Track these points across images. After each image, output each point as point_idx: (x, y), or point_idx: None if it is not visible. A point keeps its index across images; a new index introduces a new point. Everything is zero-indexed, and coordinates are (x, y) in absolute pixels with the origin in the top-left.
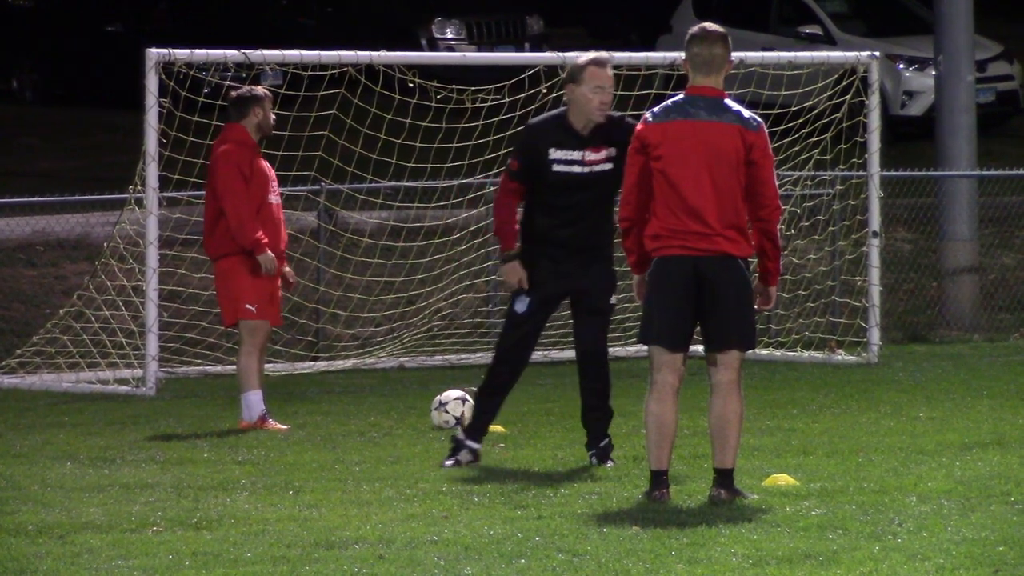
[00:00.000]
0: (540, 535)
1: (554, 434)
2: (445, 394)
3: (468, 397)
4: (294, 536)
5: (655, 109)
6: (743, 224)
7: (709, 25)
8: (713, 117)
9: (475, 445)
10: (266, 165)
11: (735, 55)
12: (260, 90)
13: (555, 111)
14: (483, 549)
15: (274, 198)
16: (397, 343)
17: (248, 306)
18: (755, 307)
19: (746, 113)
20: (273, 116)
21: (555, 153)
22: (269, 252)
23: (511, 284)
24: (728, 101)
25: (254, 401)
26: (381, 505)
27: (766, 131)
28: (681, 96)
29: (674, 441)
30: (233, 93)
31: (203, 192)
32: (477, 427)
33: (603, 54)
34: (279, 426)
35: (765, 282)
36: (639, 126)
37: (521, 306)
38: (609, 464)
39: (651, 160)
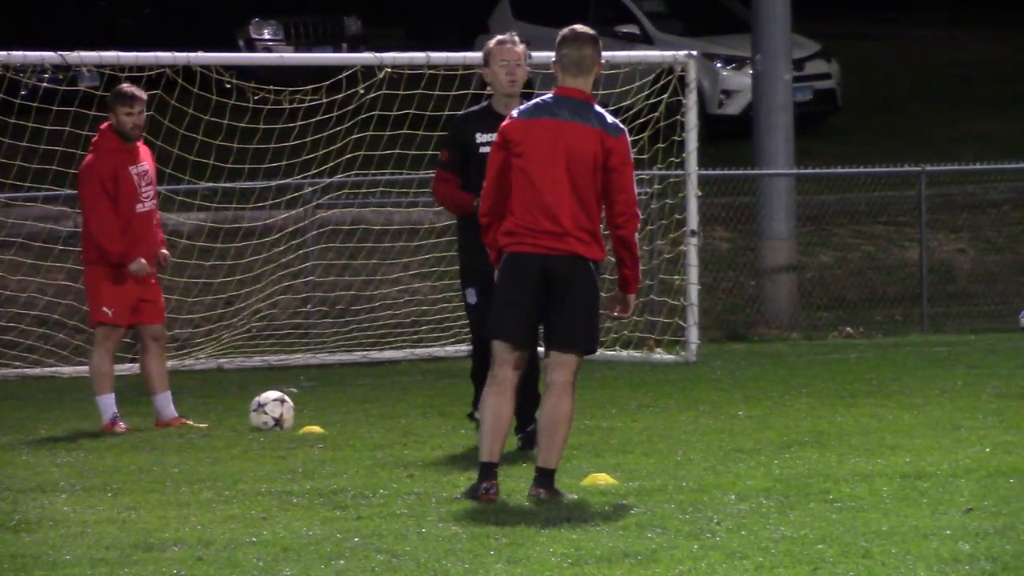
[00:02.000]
0: (359, 536)
1: (373, 434)
2: (264, 395)
3: (287, 398)
4: (113, 538)
5: (521, 107)
6: (597, 228)
7: (580, 27)
8: (576, 119)
9: None
10: (135, 170)
11: (552, 54)
12: (124, 89)
13: (480, 104)
14: (302, 550)
15: (144, 205)
16: (216, 344)
17: (105, 309)
18: (613, 314)
19: (609, 119)
20: (132, 118)
21: (481, 137)
22: (139, 260)
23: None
24: (595, 105)
25: (105, 405)
26: (200, 507)
27: (628, 138)
28: (549, 96)
29: (507, 436)
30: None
31: (18, 194)
32: None
33: (508, 35)
34: (123, 428)
35: (623, 290)
36: (504, 122)
37: (472, 298)
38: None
39: (512, 156)
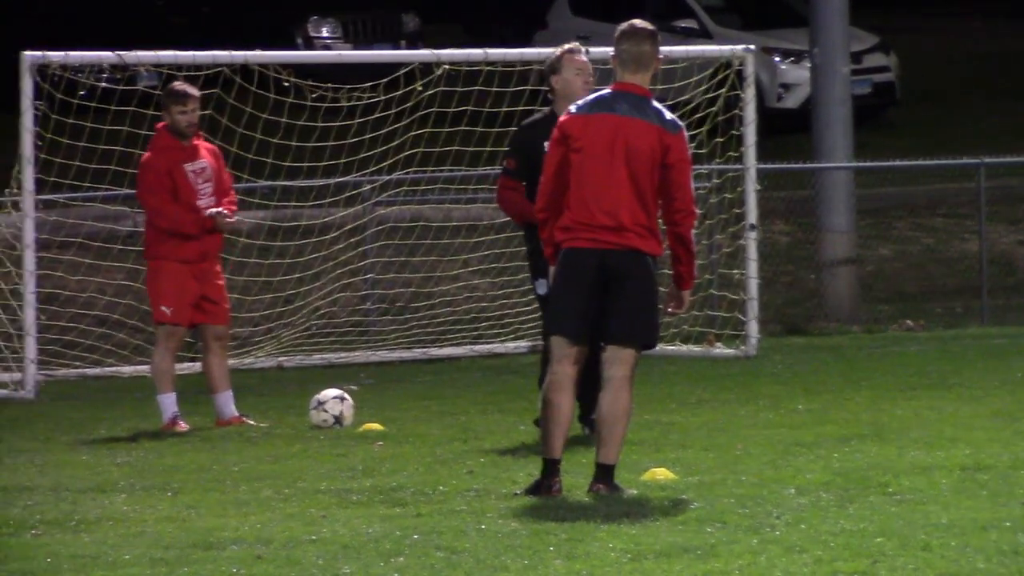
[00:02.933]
0: (418, 533)
1: (432, 432)
2: (323, 393)
3: (346, 396)
4: (172, 537)
5: (580, 101)
6: (654, 224)
7: (638, 22)
8: (635, 114)
9: None
10: (192, 167)
11: (611, 50)
12: (175, 87)
13: (543, 110)
14: (361, 548)
15: (203, 201)
16: (275, 342)
17: (164, 308)
18: (668, 310)
19: (668, 115)
20: (185, 116)
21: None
22: (216, 210)
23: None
24: (653, 101)
25: (165, 404)
26: (259, 505)
27: (686, 135)
28: (608, 91)
29: (568, 431)
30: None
31: (78, 195)
32: None
33: (575, 44)
34: (184, 427)
35: (679, 286)
36: (562, 117)
37: (542, 288)
38: None
39: (571, 152)
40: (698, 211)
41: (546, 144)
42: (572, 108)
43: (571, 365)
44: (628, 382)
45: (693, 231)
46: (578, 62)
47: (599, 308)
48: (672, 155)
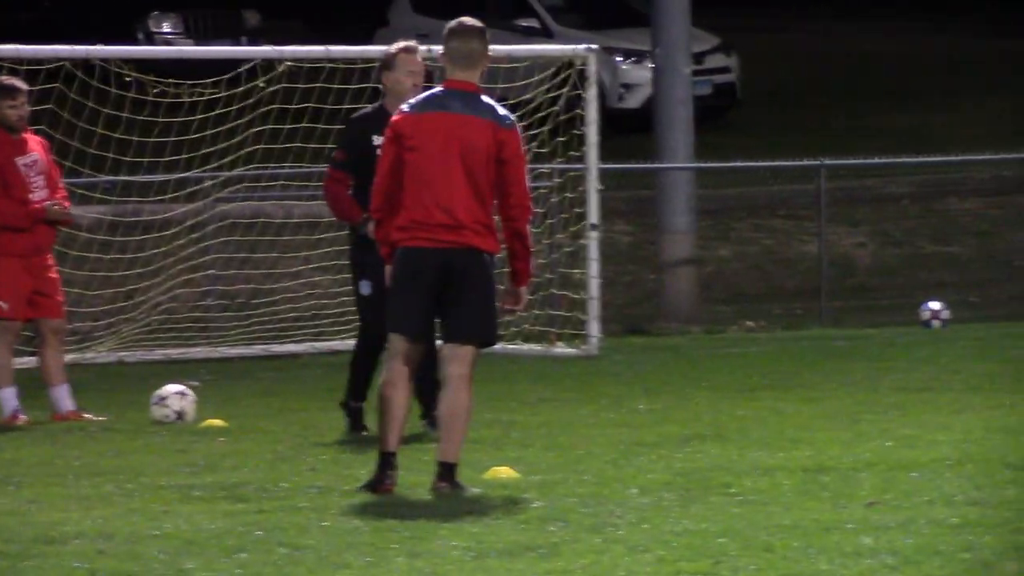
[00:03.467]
0: (261, 529)
1: (274, 428)
2: (164, 388)
3: (187, 391)
4: (14, 531)
5: (412, 100)
6: (491, 221)
7: (467, 20)
8: (468, 111)
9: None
10: (23, 160)
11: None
12: (3, 82)
13: (373, 104)
14: (204, 543)
15: (36, 195)
16: (116, 338)
17: (0, 303)
18: (505, 307)
19: (500, 110)
20: (15, 111)
21: (378, 139)
22: (50, 203)
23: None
24: (484, 97)
25: (5, 397)
26: (101, 500)
27: (519, 130)
28: (439, 89)
29: (403, 426)
30: None
31: None
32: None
33: (412, 42)
34: (23, 420)
35: (515, 283)
36: (395, 116)
37: (366, 289)
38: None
39: (404, 151)
40: (535, 208)
41: (375, 138)
42: (404, 107)
43: (406, 362)
44: (467, 380)
45: (530, 227)
46: (412, 62)
47: (436, 307)
48: (507, 150)
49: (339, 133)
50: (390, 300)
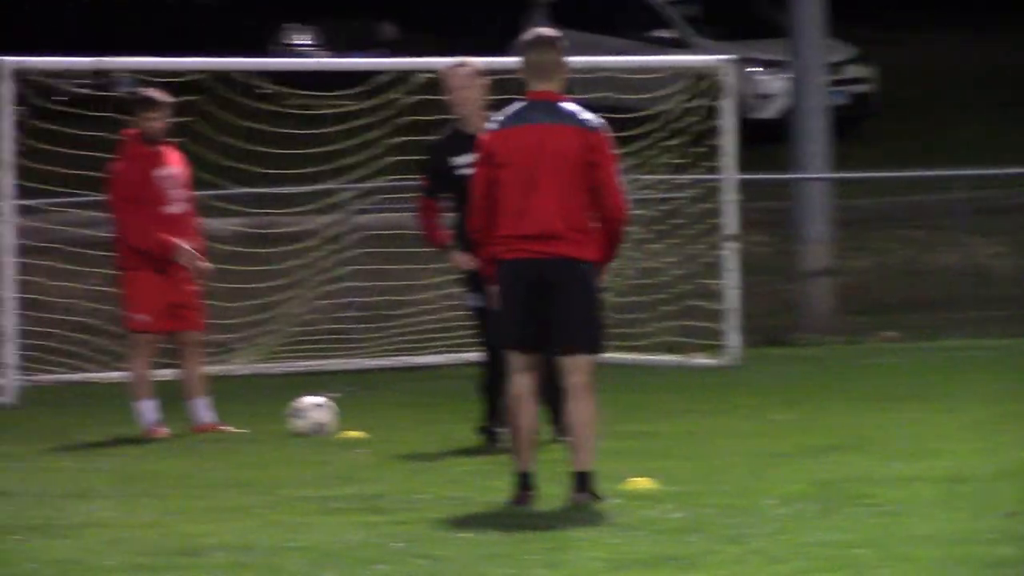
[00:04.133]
0: (400, 540)
1: (413, 439)
2: (303, 400)
3: (326, 403)
4: (154, 543)
5: (499, 116)
6: (588, 228)
7: (542, 30)
8: (551, 120)
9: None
10: (162, 173)
11: (589, 59)
12: (145, 93)
13: (447, 128)
14: (343, 555)
15: (174, 207)
16: (255, 350)
17: (140, 316)
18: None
19: (585, 115)
20: (156, 123)
21: (455, 160)
22: (182, 247)
23: (466, 268)
24: (565, 104)
25: (144, 411)
26: (242, 512)
27: (607, 131)
28: (523, 103)
29: (536, 441)
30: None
31: (57, 200)
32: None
33: (456, 59)
34: (164, 433)
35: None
36: (483, 135)
37: (472, 301)
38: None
39: (495, 168)
40: (629, 210)
41: (451, 159)
42: (492, 124)
43: (527, 376)
44: (587, 389)
45: (623, 231)
46: (458, 78)
47: (544, 317)
48: (595, 153)
49: (422, 160)
50: (498, 316)
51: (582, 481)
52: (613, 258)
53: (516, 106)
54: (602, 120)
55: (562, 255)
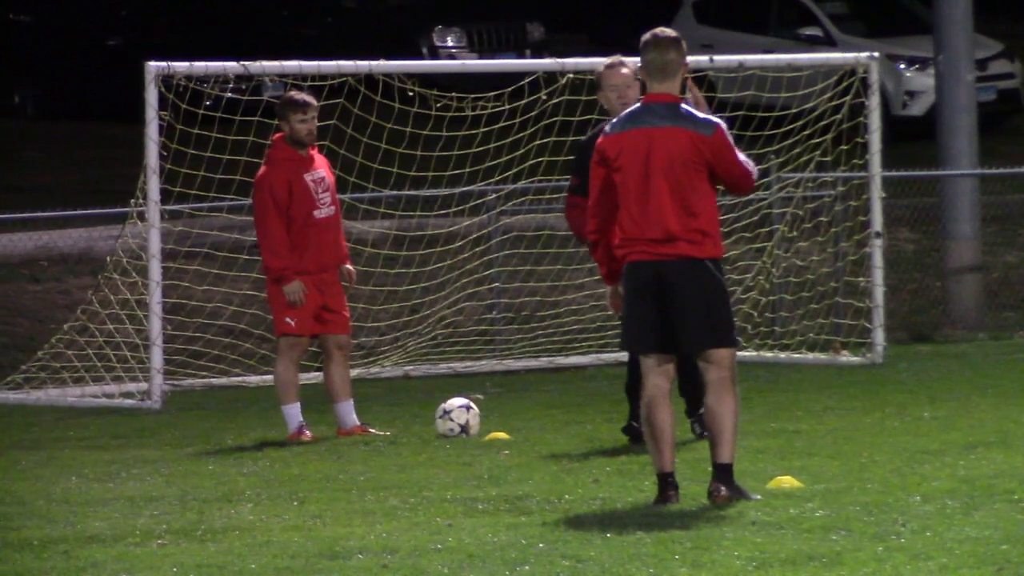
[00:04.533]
0: (544, 541)
1: (558, 440)
2: (449, 402)
3: (473, 405)
4: (298, 547)
5: (613, 120)
6: (707, 225)
7: (662, 30)
8: (667, 123)
9: None
10: (311, 176)
11: (735, 58)
12: (294, 96)
13: (599, 126)
14: (487, 556)
15: (322, 211)
16: (402, 352)
17: (288, 320)
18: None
19: (700, 116)
20: (305, 125)
21: None
22: (294, 281)
23: None
24: (684, 106)
25: (290, 414)
26: (385, 514)
27: (724, 127)
28: (638, 105)
29: (674, 442)
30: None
31: (203, 204)
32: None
33: (615, 57)
34: (309, 437)
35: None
36: (600, 139)
37: None
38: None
39: (611, 172)
40: (754, 172)
41: None
42: (607, 128)
43: (662, 378)
44: (728, 382)
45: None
46: (613, 77)
47: (668, 318)
48: (713, 155)
49: (572, 158)
50: (625, 318)
51: (722, 473)
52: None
53: (633, 108)
54: (719, 120)
55: (681, 255)
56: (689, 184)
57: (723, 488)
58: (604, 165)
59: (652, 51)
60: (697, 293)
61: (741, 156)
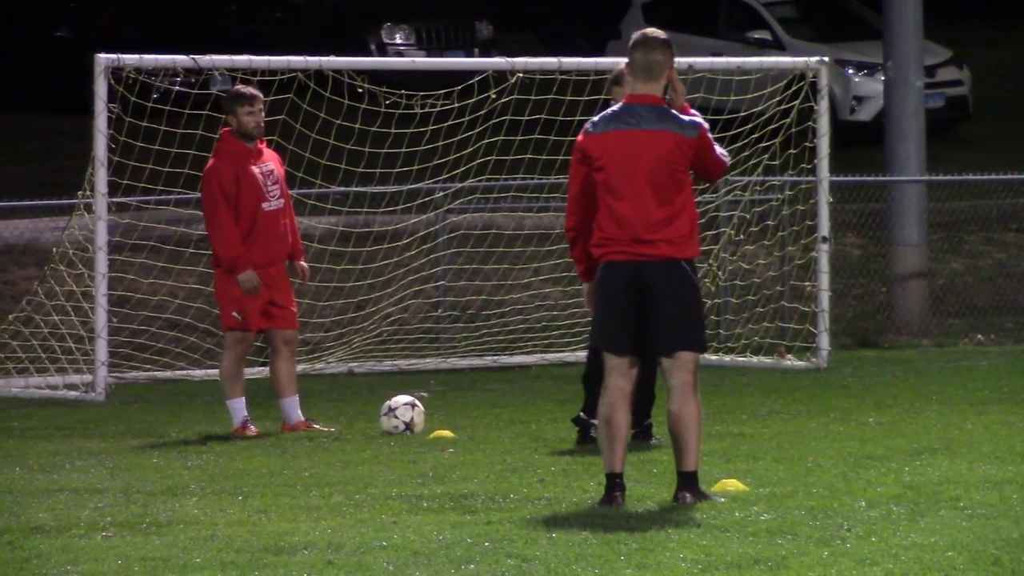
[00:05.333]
0: (489, 540)
1: (503, 439)
2: (394, 399)
3: (417, 402)
4: (243, 541)
5: (595, 119)
6: (686, 228)
7: (651, 31)
8: (651, 125)
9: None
10: (259, 169)
11: (685, 60)
12: (240, 89)
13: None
14: (432, 554)
15: (271, 204)
16: (347, 348)
17: (234, 314)
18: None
19: (685, 118)
20: (253, 117)
21: None
22: (248, 271)
23: None
24: (666, 107)
25: (235, 408)
26: (330, 510)
27: (706, 128)
28: (621, 104)
29: (627, 445)
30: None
31: (150, 198)
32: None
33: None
34: (254, 431)
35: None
36: (580, 137)
37: None
38: (653, 441)
39: (593, 171)
40: (727, 159)
41: None
42: (588, 126)
43: (621, 377)
44: (691, 388)
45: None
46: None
47: (643, 319)
48: (695, 156)
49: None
50: (596, 317)
51: (687, 481)
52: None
53: (615, 108)
54: (701, 120)
55: (660, 256)
56: (672, 186)
57: (688, 495)
58: (585, 164)
59: (639, 51)
60: (674, 294)
61: (719, 149)
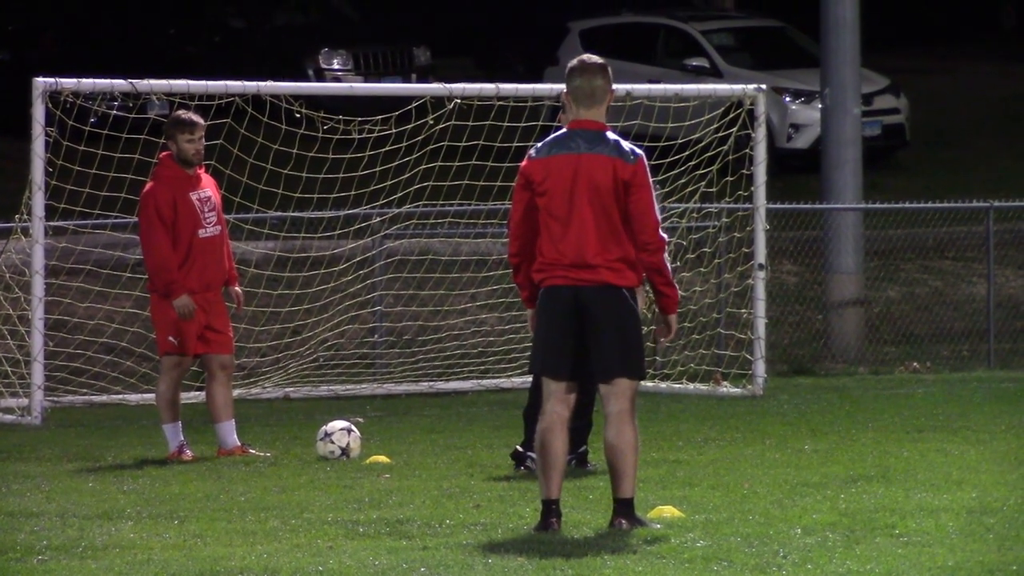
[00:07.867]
0: (425, 566)
1: (439, 465)
2: (330, 424)
3: (353, 428)
4: (179, 566)
5: (539, 144)
6: (628, 255)
7: (588, 57)
8: (592, 150)
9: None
10: (197, 196)
11: (622, 87)
12: (182, 116)
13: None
14: None
15: (208, 231)
16: (282, 373)
17: (171, 339)
18: (660, 340)
19: (625, 145)
20: (193, 144)
21: None
22: (183, 295)
23: None
24: (608, 133)
25: (170, 433)
26: (266, 535)
27: (646, 162)
28: (563, 131)
29: (564, 471)
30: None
31: (87, 221)
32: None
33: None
34: (189, 456)
35: (663, 311)
36: (523, 162)
37: None
38: (589, 467)
39: (536, 196)
40: (666, 238)
41: None
42: (532, 152)
43: (559, 403)
44: (628, 415)
45: (666, 257)
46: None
47: (582, 344)
48: (633, 184)
49: (513, 164)
50: (535, 343)
51: (623, 507)
52: (673, 289)
53: (559, 134)
54: (640, 151)
55: (600, 282)
56: (613, 212)
57: (624, 521)
58: (528, 189)
59: (579, 78)
60: (614, 320)
61: (656, 206)
